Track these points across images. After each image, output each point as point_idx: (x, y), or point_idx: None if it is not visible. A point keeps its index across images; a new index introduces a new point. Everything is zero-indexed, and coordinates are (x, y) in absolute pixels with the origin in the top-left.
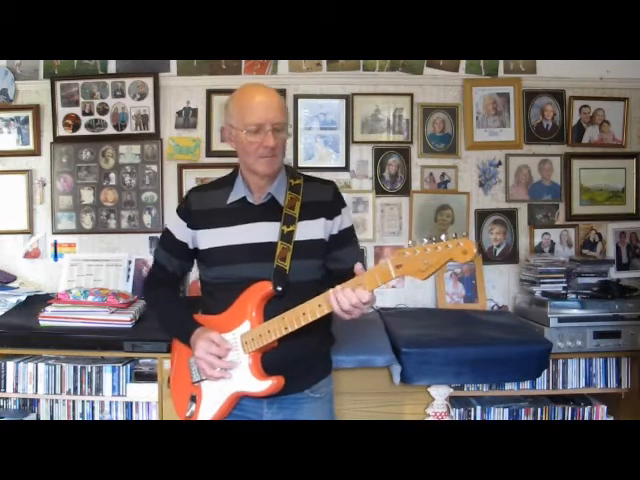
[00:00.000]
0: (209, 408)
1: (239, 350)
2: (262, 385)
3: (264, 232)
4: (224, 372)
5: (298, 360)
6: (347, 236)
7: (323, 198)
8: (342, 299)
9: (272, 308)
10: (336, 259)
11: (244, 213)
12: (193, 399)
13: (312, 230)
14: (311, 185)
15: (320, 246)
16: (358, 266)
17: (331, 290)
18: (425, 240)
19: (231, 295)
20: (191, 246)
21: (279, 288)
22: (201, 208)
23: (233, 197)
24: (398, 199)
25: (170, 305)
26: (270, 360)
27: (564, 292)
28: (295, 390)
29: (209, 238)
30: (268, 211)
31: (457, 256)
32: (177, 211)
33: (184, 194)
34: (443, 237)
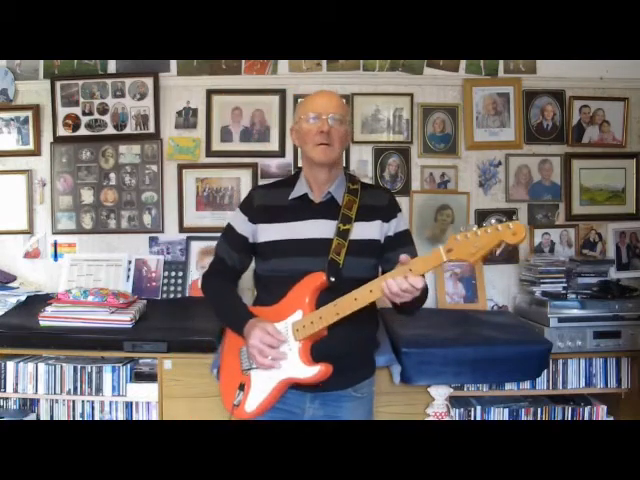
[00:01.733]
0: (256, 396)
1: (290, 337)
2: (311, 371)
3: (322, 229)
4: (275, 362)
5: (345, 354)
6: (403, 239)
7: (379, 202)
8: (392, 284)
9: (324, 301)
10: (390, 260)
11: (304, 210)
12: (241, 387)
13: (367, 230)
14: (368, 190)
15: (374, 246)
16: (403, 256)
17: (381, 277)
18: (476, 226)
19: (285, 287)
20: (251, 240)
21: (332, 279)
22: (263, 204)
23: (295, 194)
24: (398, 199)
25: (226, 295)
26: (319, 352)
27: (564, 292)
28: (339, 387)
29: (269, 232)
30: (327, 209)
31: (507, 237)
32: (240, 206)
33: (184, 194)
34: (493, 221)
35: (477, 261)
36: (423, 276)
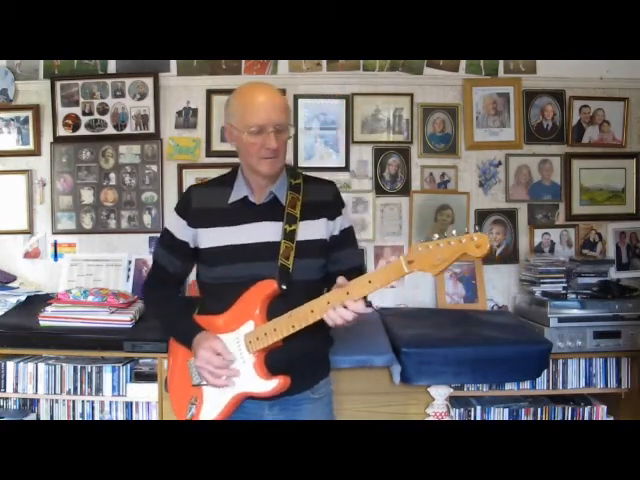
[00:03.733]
0: (211, 410)
1: (242, 350)
2: (268, 385)
3: (267, 231)
4: (228, 380)
5: (300, 360)
6: (347, 237)
7: (323, 198)
8: (334, 316)
9: (275, 307)
10: (336, 260)
11: (246, 213)
12: (193, 402)
13: (314, 230)
14: (311, 185)
15: (322, 246)
16: (340, 279)
17: (333, 293)
18: (437, 236)
19: (233, 294)
20: (192, 245)
21: (284, 286)
22: (201, 206)
23: (234, 197)
24: (398, 199)
25: (170, 307)
26: (273, 360)
27: (564, 292)
28: (296, 391)
29: (211, 237)
30: (270, 210)
31: (471, 250)
32: (176, 209)
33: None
34: (454, 232)
35: (440, 273)
36: (365, 297)
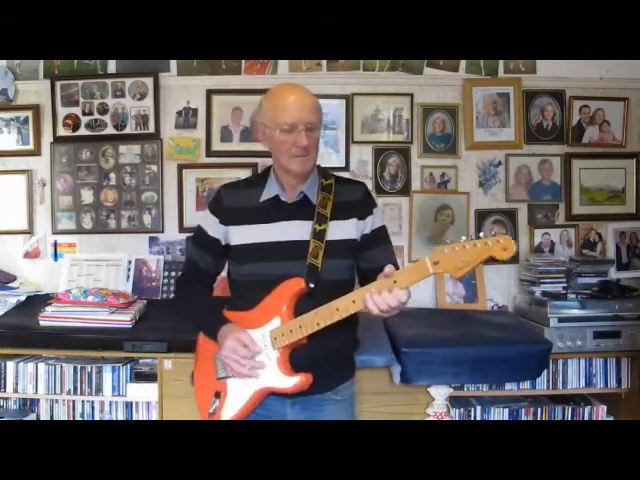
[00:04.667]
0: (234, 404)
1: (268, 346)
2: (290, 381)
3: (297, 230)
4: (252, 371)
5: (324, 360)
6: (379, 236)
7: (354, 198)
8: (379, 301)
9: (302, 306)
10: (368, 259)
11: (277, 211)
12: (217, 395)
13: (344, 230)
14: (342, 185)
15: (352, 246)
16: (388, 268)
17: (364, 288)
18: (464, 238)
19: (261, 292)
20: (223, 242)
21: (311, 285)
22: (233, 205)
23: (266, 195)
24: (398, 199)
25: (201, 301)
26: (297, 358)
27: (564, 292)
28: (319, 391)
29: (242, 235)
30: (301, 210)
31: (497, 253)
32: (209, 207)
33: (184, 194)
34: (482, 234)
35: (462, 276)
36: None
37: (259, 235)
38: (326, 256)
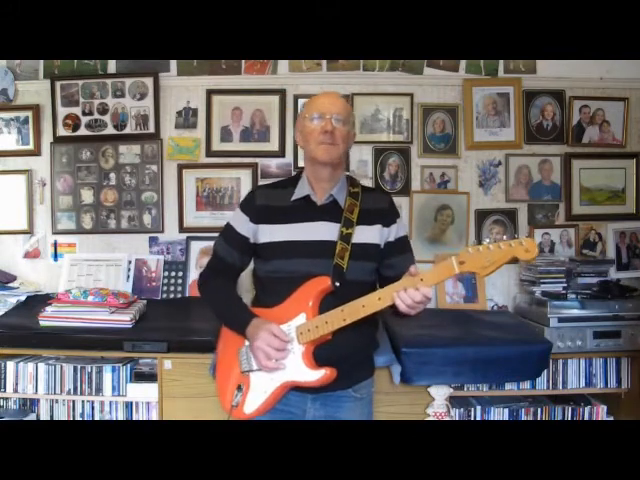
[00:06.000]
0: (256, 398)
1: (293, 341)
2: (315, 375)
3: (325, 231)
4: (279, 363)
5: (347, 357)
6: (402, 244)
7: (379, 206)
8: (405, 297)
9: (326, 304)
10: (391, 266)
11: (307, 211)
12: (239, 388)
13: (369, 235)
14: (369, 194)
15: (375, 250)
16: (413, 268)
17: (391, 286)
18: (487, 240)
19: (287, 289)
20: (252, 240)
21: (337, 283)
22: (265, 204)
23: (297, 194)
24: (398, 199)
25: (228, 294)
26: (320, 355)
27: (564, 292)
28: (339, 387)
29: (271, 232)
30: (329, 212)
31: (520, 254)
32: (240, 206)
33: (184, 194)
34: (505, 237)
35: (487, 275)
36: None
37: (288, 233)
38: (351, 258)
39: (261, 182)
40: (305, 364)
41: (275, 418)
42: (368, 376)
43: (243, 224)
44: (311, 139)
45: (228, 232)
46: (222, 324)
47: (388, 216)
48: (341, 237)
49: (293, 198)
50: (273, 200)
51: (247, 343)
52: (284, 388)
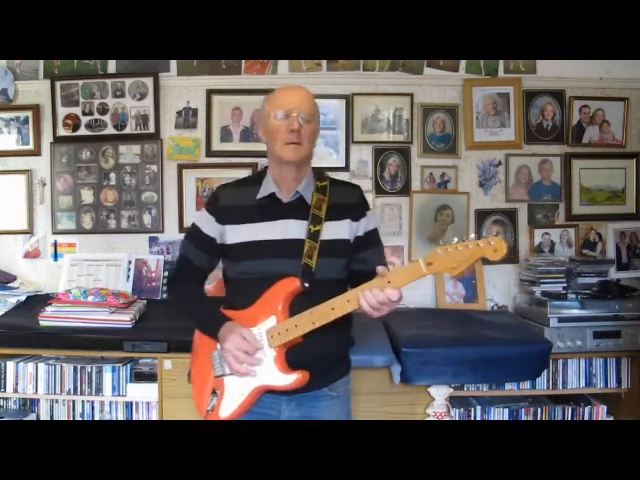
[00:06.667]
0: (231, 402)
1: (264, 345)
2: (288, 379)
3: (292, 229)
4: (249, 368)
5: (320, 358)
6: (372, 238)
7: (348, 200)
8: (369, 297)
9: (297, 305)
10: (361, 260)
11: (273, 210)
12: (214, 393)
13: (337, 230)
14: (337, 187)
15: (345, 246)
16: (380, 268)
17: (359, 288)
18: (456, 239)
19: (257, 290)
20: (219, 241)
21: (306, 284)
22: (230, 203)
23: (263, 193)
24: (398, 199)
25: (198, 298)
26: (293, 357)
27: (564, 292)
28: (315, 387)
29: (238, 233)
30: (296, 209)
31: (488, 254)
32: (205, 206)
33: (184, 194)
34: (473, 236)
35: (457, 275)
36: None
37: (255, 233)
38: (320, 255)
39: None
40: (278, 368)
41: (250, 419)
42: (344, 374)
43: (209, 225)
44: (277, 137)
45: (194, 233)
46: (195, 328)
47: (357, 209)
48: (309, 235)
49: (258, 196)
50: (238, 199)
51: (219, 347)
52: (258, 392)
